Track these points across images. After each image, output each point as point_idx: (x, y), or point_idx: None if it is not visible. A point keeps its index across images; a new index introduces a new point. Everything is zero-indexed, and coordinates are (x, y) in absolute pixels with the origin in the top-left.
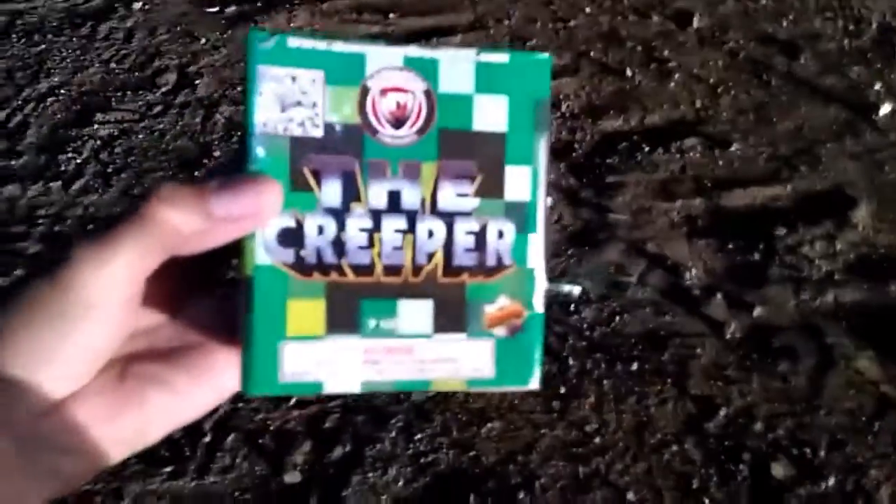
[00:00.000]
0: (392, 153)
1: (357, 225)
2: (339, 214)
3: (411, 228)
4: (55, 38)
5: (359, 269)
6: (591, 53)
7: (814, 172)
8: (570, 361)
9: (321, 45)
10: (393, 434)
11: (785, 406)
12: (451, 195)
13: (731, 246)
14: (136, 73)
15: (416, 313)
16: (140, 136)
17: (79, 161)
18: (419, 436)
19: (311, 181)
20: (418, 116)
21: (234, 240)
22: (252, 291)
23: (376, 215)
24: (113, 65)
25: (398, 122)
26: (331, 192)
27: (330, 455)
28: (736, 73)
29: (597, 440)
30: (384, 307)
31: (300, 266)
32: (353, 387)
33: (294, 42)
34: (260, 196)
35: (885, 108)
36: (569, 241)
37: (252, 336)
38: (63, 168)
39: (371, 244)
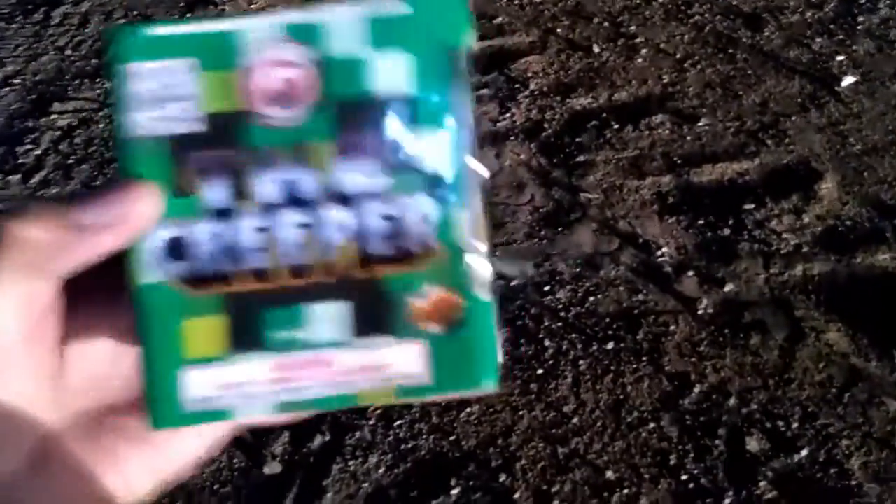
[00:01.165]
0: (282, 137)
1: (250, 225)
2: (229, 216)
3: (312, 221)
4: (7, 25)
5: (257, 276)
6: (558, 30)
7: (780, 146)
8: (546, 343)
9: (190, 28)
10: (372, 421)
11: (758, 380)
12: (356, 176)
13: (701, 222)
14: (94, 60)
15: (329, 318)
16: (100, 126)
17: (38, 153)
18: (399, 422)
19: (195, 182)
20: (309, 91)
21: (110, 252)
22: (141, 314)
23: (270, 211)
24: (69, 51)
25: (286, 102)
26: (216, 191)
27: (309, 444)
28: (702, 47)
29: (575, 420)
30: (291, 315)
31: (191, 279)
32: (266, 410)
33: (160, 31)
34: (131, 202)
35: (848, 80)
36: (541, 222)
37: (147, 364)
38: (21, 161)
39: (268, 245)
